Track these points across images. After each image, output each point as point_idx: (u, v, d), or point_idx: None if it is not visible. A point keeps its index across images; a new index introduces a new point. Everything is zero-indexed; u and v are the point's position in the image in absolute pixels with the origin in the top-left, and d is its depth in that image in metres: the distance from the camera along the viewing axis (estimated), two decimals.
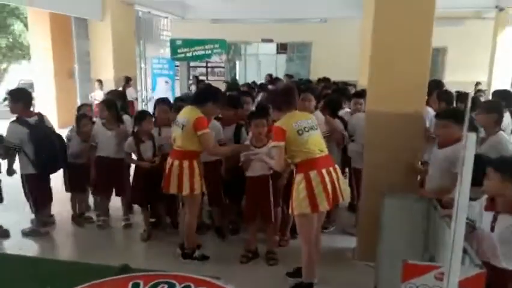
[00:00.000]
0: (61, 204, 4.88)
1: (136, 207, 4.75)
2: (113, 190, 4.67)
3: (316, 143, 3.15)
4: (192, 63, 13.40)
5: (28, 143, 4.10)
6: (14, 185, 4.38)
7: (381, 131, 3.59)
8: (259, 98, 6.95)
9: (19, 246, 4.18)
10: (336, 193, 3.10)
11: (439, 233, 2.61)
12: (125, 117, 4.84)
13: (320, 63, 15.27)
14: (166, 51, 13.28)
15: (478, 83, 11.65)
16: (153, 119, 4.46)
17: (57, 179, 4.70)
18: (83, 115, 4.77)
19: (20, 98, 4.26)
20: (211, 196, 4.27)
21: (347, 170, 4.89)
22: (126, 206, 4.74)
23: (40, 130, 4.21)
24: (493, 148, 3.19)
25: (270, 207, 3.72)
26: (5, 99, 13.08)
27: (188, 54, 11.90)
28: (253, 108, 5.11)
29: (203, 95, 3.84)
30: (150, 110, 5.63)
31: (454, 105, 4.70)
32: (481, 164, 1.84)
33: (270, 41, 16.75)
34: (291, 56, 17.76)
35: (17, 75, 20.03)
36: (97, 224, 4.71)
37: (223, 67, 14.05)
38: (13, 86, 10.98)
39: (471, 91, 9.40)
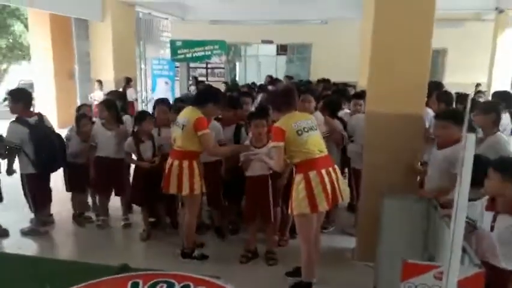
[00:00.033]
0: (61, 204, 4.89)
1: (135, 206, 4.75)
2: (113, 190, 4.68)
3: (316, 144, 3.15)
4: (191, 64, 13.42)
5: (28, 142, 4.10)
6: (13, 185, 4.38)
7: (381, 131, 3.60)
8: (258, 98, 6.96)
9: (18, 245, 4.18)
10: (336, 193, 3.10)
11: (439, 233, 2.62)
12: (126, 117, 4.85)
13: (320, 64, 15.28)
14: (166, 52, 13.30)
15: (478, 84, 11.67)
16: (153, 120, 4.46)
17: (57, 179, 4.71)
18: (82, 115, 4.78)
19: (20, 98, 4.27)
20: (210, 197, 4.28)
21: (346, 170, 4.89)
22: (125, 206, 4.74)
23: (40, 130, 4.22)
24: (492, 148, 3.20)
25: (269, 207, 3.72)
26: (5, 100, 13.09)
27: (188, 55, 11.92)
28: (252, 108, 5.12)
29: (203, 96, 3.85)
30: (150, 110, 5.63)
31: (454, 106, 4.71)
32: (480, 164, 1.84)
33: (270, 42, 16.76)
34: (291, 58, 17.77)
35: (17, 75, 20.04)
36: (96, 223, 4.71)
37: (223, 68, 14.06)
38: (13, 87, 10.98)
39: (471, 92, 9.42)
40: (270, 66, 17.53)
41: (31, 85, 11.57)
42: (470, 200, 1.46)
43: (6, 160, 4.18)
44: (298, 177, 3.10)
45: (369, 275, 3.36)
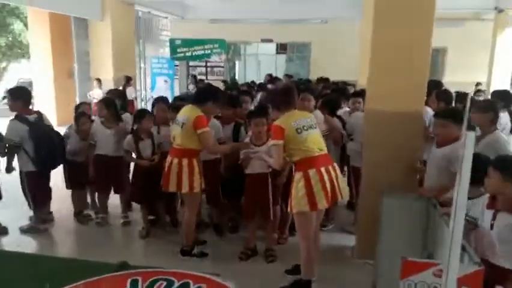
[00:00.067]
0: (60, 202, 4.89)
1: (134, 204, 4.75)
2: (112, 188, 4.68)
3: (316, 142, 3.16)
4: (191, 63, 13.42)
5: (28, 140, 4.11)
6: (12, 182, 4.38)
7: (380, 130, 3.60)
8: (258, 97, 6.97)
9: (17, 243, 4.18)
10: (335, 191, 3.11)
11: (438, 231, 2.62)
12: (126, 115, 4.85)
13: (319, 63, 15.29)
14: (166, 51, 13.31)
15: (478, 83, 11.69)
16: (152, 118, 4.46)
17: (57, 177, 4.70)
18: (82, 113, 4.78)
19: (20, 96, 4.27)
20: (209, 195, 4.29)
21: (345, 168, 4.90)
22: (125, 204, 4.74)
23: (40, 128, 4.22)
24: (490, 147, 3.21)
25: (269, 205, 3.73)
26: (4, 98, 13.07)
27: (187, 54, 11.93)
28: (252, 107, 5.12)
29: (203, 95, 3.85)
30: (149, 109, 5.63)
31: (453, 105, 4.71)
32: (479, 162, 1.84)
33: (270, 41, 16.76)
34: (290, 56, 17.77)
35: (16, 74, 20.03)
36: (95, 221, 4.72)
37: (223, 67, 14.05)
38: (12, 85, 10.97)
39: (471, 91, 9.43)
40: (270, 65, 17.53)
41: (30, 83, 11.57)
42: (469, 198, 1.47)
43: (5, 158, 4.18)
44: (297, 176, 3.10)
45: (369, 272, 3.37)
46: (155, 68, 12.17)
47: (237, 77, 17.06)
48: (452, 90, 5.08)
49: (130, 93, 9.83)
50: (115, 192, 4.71)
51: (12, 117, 4.20)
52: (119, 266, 3.19)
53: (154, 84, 12.16)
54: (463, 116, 1.42)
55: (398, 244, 2.90)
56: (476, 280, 1.88)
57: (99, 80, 10.31)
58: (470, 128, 1.38)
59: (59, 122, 9.33)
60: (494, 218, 2.40)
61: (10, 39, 20.62)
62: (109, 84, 9.82)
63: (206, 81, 12.21)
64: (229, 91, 6.78)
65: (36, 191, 4.31)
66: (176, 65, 12.54)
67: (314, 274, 3.26)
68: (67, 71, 11.45)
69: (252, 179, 3.77)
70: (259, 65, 18.25)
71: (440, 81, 6.42)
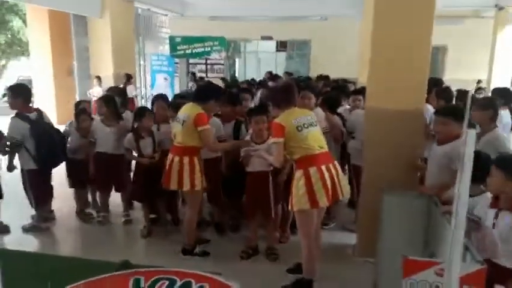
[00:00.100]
0: (62, 200, 4.89)
1: (136, 203, 4.75)
2: (113, 186, 4.67)
3: (316, 140, 3.16)
4: (191, 60, 13.40)
5: (29, 138, 4.11)
6: (13, 181, 4.38)
7: (381, 128, 3.60)
8: (258, 95, 6.97)
9: (19, 241, 4.19)
10: (336, 189, 3.11)
11: (439, 230, 2.62)
12: (127, 113, 4.84)
13: (319, 60, 15.28)
14: (165, 48, 13.26)
15: (479, 81, 11.70)
16: (153, 116, 4.46)
17: (58, 175, 4.70)
18: (82, 110, 4.77)
19: (20, 93, 4.27)
20: (210, 194, 4.29)
21: (346, 166, 4.90)
22: (126, 202, 4.74)
23: (40, 125, 4.22)
24: (491, 144, 3.21)
25: (270, 203, 3.73)
26: (4, 95, 13.01)
27: (187, 51, 11.90)
28: (252, 105, 5.12)
29: (205, 93, 3.85)
30: (149, 106, 5.62)
31: (453, 102, 4.71)
32: (479, 160, 1.84)
33: (270, 38, 16.74)
34: (290, 54, 17.76)
35: (16, 71, 19.99)
36: (97, 220, 4.72)
37: (223, 64, 14.03)
38: (12, 83, 10.95)
39: (471, 89, 9.43)
40: (270, 62, 17.52)
41: (30, 81, 11.54)
42: (470, 195, 1.47)
43: (6, 156, 4.18)
44: (298, 173, 3.10)
45: (370, 271, 3.38)
46: (155, 66, 12.13)
47: (237, 75, 17.04)
48: (453, 88, 5.08)
49: (130, 91, 9.82)
50: (116, 190, 4.71)
51: (13, 115, 4.19)
52: (121, 265, 3.20)
53: (154, 82, 12.13)
54: (463, 114, 1.42)
55: (399, 242, 2.90)
56: (478, 279, 1.87)
57: (99, 78, 10.28)
58: (471, 125, 1.38)
59: (59, 120, 9.32)
60: (496, 216, 2.40)
61: (9, 36, 20.56)
62: (108, 82, 9.80)
63: (206, 78, 12.20)
64: (229, 89, 6.77)
65: (38, 190, 4.31)
66: (176, 63, 12.51)
67: (316, 272, 3.26)
68: (66, 68, 11.42)
69: (252, 177, 3.77)
70: (259, 62, 18.24)
71: (440, 78, 6.42)
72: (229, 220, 4.50)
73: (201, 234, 4.12)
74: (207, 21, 14.63)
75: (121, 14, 10.82)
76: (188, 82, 12.24)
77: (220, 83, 9.23)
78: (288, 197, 3.25)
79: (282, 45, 17.34)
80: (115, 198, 4.78)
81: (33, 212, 4.51)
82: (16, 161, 4.25)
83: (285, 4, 12.73)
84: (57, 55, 11.11)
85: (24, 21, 17.08)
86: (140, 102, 11.86)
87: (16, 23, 19.79)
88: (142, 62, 13.07)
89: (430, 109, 4.27)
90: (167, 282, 2.28)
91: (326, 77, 9.96)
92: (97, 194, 4.84)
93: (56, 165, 4.44)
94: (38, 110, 4.37)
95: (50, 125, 4.41)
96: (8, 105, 4.34)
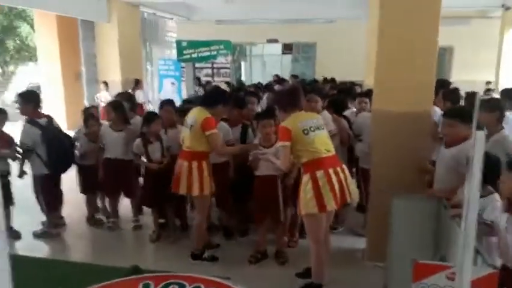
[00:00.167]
0: (72, 206, 4.92)
1: (145, 208, 4.76)
2: (122, 191, 4.70)
3: (323, 143, 3.15)
4: (197, 65, 13.45)
5: (41, 144, 4.15)
6: (24, 187, 4.42)
7: (388, 130, 3.59)
8: (264, 98, 6.99)
9: (30, 247, 4.22)
10: (344, 193, 3.10)
11: (449, 233, 2.61)
12: (136, 118, 4.88)
13: (325, 63, 15.26)
14: (172, 53, 13.33)
15: (488, 82, 11.60)
16: (161, 121, 4.47)
17: (67, 181, 4.74)
18: (90, 115, 4.81)
19: (31, 99, 4.32)
20: (218, 198, 4.29)
21: (354, 170, 4.88)
22: (136, 208, 4.76)
23: (51, 131, 4.27)
24: (499, 145, 3.19)
25: (279, 207, 3.72)
26: (15, 102, 13.12)
27: (194, 56, 11.94)
28: (258, 108, 5.12)
29: (213, 97, 3.86)
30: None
31: (460, 104, 4.68)
32: (488, 161, 1.83)
33: (276, 41, 16.76)
34: (296, 57, 17.76)
35: (24, 77, 20.19)
36: (107, 225, 4.74)
37: (229, 68, 14.08)
38: (22, 89, 11.06)
39: (481, 90, 9.37)
40: (275, 65, 17.52)
41: (38, 87, 11.65)
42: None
43: (17, 162, 4.23)
44: (305, 178, 3.10)
45: (380, 275, 3.36)
46: (162, 70, 12.20)
47: (243, 78, 17.08)
48: (460, 89, 5.05)
49: (139, 96, 9.91)
50: (125, 196, 4.74)
51: (24, 121, 4.24)
52: (131, 270, 3.23)
53: (161, 87, 12.19)
54: (470, 115, 1.41)
55: (408, 246, 2.89)
56: (490, 283, 1.86)
57: (106, 83, 10.37)
58: (479, 127, 1.37)
59: (68, 125, 9.40)
60: (508, 220, 2.38)
61: (18, 42, 20.80)
62: (116, 87, 9.88)
63: (213, 83, 12.24)
64: (235, 92, 6.79)
65: (49, 195, 4.36)
66: (183, 67, 12.57)
67: (325, 277, 3.25)
68: (74, 73, 11.51)
69: (260, 181, 3.77)
70: (264, 65, 18.26)
71: (446, 80, 6.38)
72: (237, 224, 4.50)
73: (210, 239, 4.12)
74: (213, 25, 14.68)
75: (127, 18, 10.91)
76: (194, 87, 12.28)
77: (225, 87, 9.27)
78: (296, 201, 3.25)
79: (287, 48, 17.34)
80: (125, 203, 4.80)
81: (43, 218, 4.55)
82: (27, 167, 4.29)
83: (290, 7, 12.73)
84: (65, 60, 11.20)
85: (32, 27, 17.24)
86: (150, 108, 11.92)
87: (24, 28, 20.00)
88: (149, 67, 13.16)
89: (438, 111, 4.24)
90: (176, 287, 2.30)
91: (332, 80, 9.96)
92: (107, 199, 4.87)
93: (66, 170, 4.48)
94: (48, 116, 4.42)
95: (60, 131, 4.47)
96: (18, 111, 4.39)
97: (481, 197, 2.46)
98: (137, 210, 4.78)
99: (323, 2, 12.08)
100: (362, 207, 4.72)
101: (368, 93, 5.10)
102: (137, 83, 10.51)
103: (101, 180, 4.58)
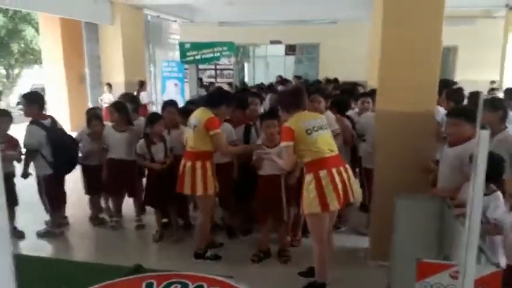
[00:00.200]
0: (75, 206, 4.95)
1: (148, 207, 4.78)
2: (126, 191, 4.72)
3: (326, 143, 3.15)
4: (200, 66, 13.46)
5: (46, 145, 4.18)
6: (28, 188, 4.45)
7: (391, 130, 3.58)
8: (267, 99, 6.99)
9: (34, 247, 4.24)
10: (347, 193, 3.10)
11: (453, 232, 2.59)
12: (140, 119, 4.90)
13: (328, 64, 15.25)
14: (176, 55, 13.38)
15: (492, 82, 11.55)
16: (164, 121, 4.49)
17: (70, 181, 4.75)
18: (94, 116, 4.83)
19: (35, 100, 4.35)
20: (221, 198, 4.30)
21: (357, 170, 4.87)
22: (139, 207, 4.78)
23: (55, 132, 4.30)
24: (502, 144, 3.17)
25: (282, 207, 3.73)
26: (18, 103, 13.21)
27: (197, 57, 11.96)
28: (261, 109, 5.13)
29: (217, 98, 3.88)
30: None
31: (464, 104, 4.66)
32: (491, 160, 1.83)
33: (279, 42, 16.77)
34: (299, 58, 17.76)
35: (29, 79, 20.34)
36: (110, 225, 4.76)
37: (232, 69, 14.10)
38: (26, 91, 11.13)
39: (485, 90, 9.33)
40: (279, 66, 17.54)
41: (43, 89, 11.72)
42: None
43: (22, 163, 4.25)
44: (308, 177, 3.10)
45: (383, 274, 3.35)
46: (166, 72, 12.24)
47: (246, 79, 17.09)
48: (464, 88, 5.03)
49: (143, 97, 9.95)
50: (129, 196, 4.76)
51: (28, 122, 4.26)
52: (134, 269, 3.24)
53: (165, 88, 12.23)
54: (475, 114, 1.41)
55: (412, 246, 2.88)
56: (494, 282, 1.85)
57: (109, 85, 10.42)
58: (482, 127, 1.36)
59: (72, 127, 9.44)
60: None
61: (22, 45, 20.94)
62: (120, 88, 9.91)
63: (216, 84, 12.25)
64: (238, 94, 6.80)
65: (53, 195, 4.38)
66: (186, 69, 12.60)
67: (328, 276, 3.25)
68: (78, 75, 11.57)
69: (264, 180, 3.78)
70: (268, 66, 18.28)
71: (449, 79, 6.37)
72: (240, 224, 4.51)
73: (213, 238, 4.13)
74: (216, 27, 14.72)
75: (131, 21, 10.96)
76: (198, 89, 12.31)
77: (227, 89, 9.28)
78: (299, 201, 3.25)
79: (291, 49, 17.35)
80: (128, 203, 4.82)
81: (47, 217, 4.57)
82: (31, 168, 4.32)
83: (293, 8, 12.73)
84: (69, 63, 11.27)
85: (37, 30, 17.38)
86: (153, 109, 11.96)
87: (29, 32, 20.15)
88: (152, 69, 13.20)
89: (441, 111, 4.23)
90: (179, 286, 2.31)
91: (335, 80, 9.95)
92: (110, 199, 4.88)
93: (70, 170, 4.50)
94: (51, 117, 4.45)
95: (63, 132, 4.49)
96: (22, 113, 4.42)
97: (484, 195, 2.44)
98: (140, 210, 4.79)
99: (326, 3, 12.07)
100: (365, 207, 4.72)
101: (371, 93, 5.10)
102: (142, 85, 10.55)
103: (105, 181, 4.60)
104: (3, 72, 22.27)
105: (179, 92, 11.92)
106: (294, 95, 3.38)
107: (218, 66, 13.76)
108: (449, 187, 3.04)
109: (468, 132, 2.98)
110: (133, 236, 4.64)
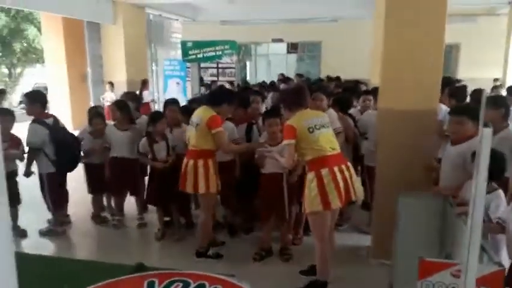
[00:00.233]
0: (77, 205, 4.96)
1: (150, 206, 4.79)
2: (128, 190, 4.73)
3: (328, 141, 3.15)
4: (202, 65, 13.47)
5: (49, 143, 4.19)
6: (30, 186, 4.46)
7: (393, 128, 3.57)
8: (269, 97, 6.99)
9: (36, 245, 4.25)
10: (349, 191, 3.09)
11: (456, 231, 2.59)
12: (143, 117, 4.90)
13: (330, 62, 15.23)
14: (178, 54, 13.38)
15: (495, 79, 11.50)
16: (166, 120, 4.49)
17: (73, 180, 4.77)
18: (96, 114, 4.83)
19: (37, 99, 4.36)
20: (223, 196, 4.30)
21: (359, 168, 4.86)
22: (140, 206, 4.79)
23: (58, 130, 4.31)
24: (505, 142, 3.16)
25: (284, 205, 3.73)
26: (20, 102, 13.24)
27: (199, 56, 11.98)
28: (263, 107, 5.12)
29: (218, 96, 3.88)
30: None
31: (467, 101, 4.65)
32: (493, 158, 1.82)
33: (281, 41, 16.75)
34: (301, 56, 17.75)
35: (31, 79, 20.40)
36: (112, 223, 4.77)
37: (234, 68, 14.10)
38: (28, 90, 11.16)
39: (488, 87, 9.29)
40: (281, 64, 17.53)
41: (45, 88, 11.74)
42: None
43: (24, 162, 4.26)
44: (310, 175, 3.09)
45: (385, 273, 3.35)
46: (168, 71, 12.25)
47: (248, 78, 17.08)
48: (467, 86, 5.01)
49: (146, 96, 9.96)
50: (131, 194, 4.77)
51: (30, 121, 4.27)
52: (136, 267, 3.24)
53: (167, 87, 12.24)
54: (478, 113, 1.40)
55: (414, 244, 2.87)
56: (495, 281, 1.84)
57: (111, 84, 10.44)
58: (485, 125, 1.36)
59: (74, 126, 9.46)
60: None
61: (25, 44, 21.01)
62: (122, 87, 9.93)
63: (219, 83, 12.26)
64: (240, 92, 6.80)
65: (56, 193, 4.39)
66: (188, 67, 12.61)
67: (329, 274, 3.25)
68: (80, 74, 11.59)
69: (266, 178, 3.78)
70: (270, 65, 18.26)
71: (451, 77, 6.34)
72: (242, 222, 4.51)
73: (215, 237, 4.13)
74: (218, 25, 14.71)
75: (133, 20, 10.97)
76: (200, 88, 12.33)
77: (229, 87, 9.28)
78: (301, 199, 3.25)
79: (293, 47, 17.33)
80: (130, 201, 4.83)
81: (49, 216, 4.59)
82: (33, 167, 4.32)
83: (295, 6, 12.70)
84: (71, 62, 11.28)
85: (39, 30, 17.43)
86: (156, 107, 11.98)
87: (31, 31, 20.21)
88: (154, 68, 13.21)
89: (443, 108, 4.22)
90: (181, 285, 2.30)
91: (337, 78, 9.93)
92: (112, 197, 4.89)
93: (73, 169, 4.51)
94: (53, 116, 4.46)
95: (66, 130, 4.51)
96: (24, 111, 4.42)
97: (486, 193, 2.44)
98: (142, 208, 4.81)
99: (327, 2, 12.05)
100: (367, 205, 4.71)
101: (373, 91, 5.09)
102: (145, 83, 10.56)
103: (108, 179, 4.61)
104: (6, 71, 22.36)
105: (181, 91, 11.93)
106: (296, 93, 3.38)
107: (220, 65, 13.77)
108: (451, 185, 3.03)
109: (471, 130, 2.97)
110: (135, 234, 4.65)
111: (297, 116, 3.18)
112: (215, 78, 13.50)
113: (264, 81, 11.34)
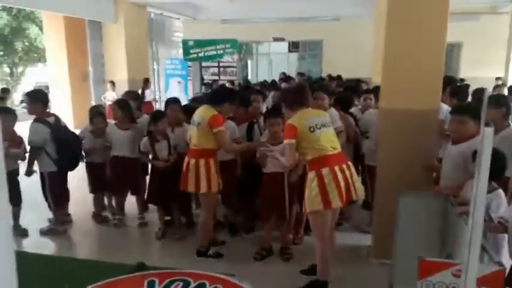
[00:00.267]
0: (78, 204, 4.96)
1: (151, 205, 4.78)
2: (129, 189, 4.73)
3: (329, 140, 3.14)
4: (204, 64, 13.47)
5: (50, 142, 4.19)
6: (31, 186, 4.46)
7: (394, 127, 3.56)
8: (270, 96, 6.97)
9: (37, 244, 4.25)
10: (350, 190, 3.09)
11: (456, 231, 2.58)
12: (144, 116, 4.90)
13: (332, 61, 15.21)
14: (179, 52, 13.40)
15: (497, 78, 11.47)
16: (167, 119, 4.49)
17: (73, 179, 4.78)
18: (97, 113, 4.83)
19: (38, 98, 4.36)
20: (224, 195, 4.30)
21: (359, 167, 4.85)
22: (141, 205, 4.79)
23: (59, 130, 4.31)
24: (506, 141, 3.15)
25: (285, 204, 3.72)
26: (22, 101, 13.25)
27: (200, 55, 11.97)
28: (264, 106, 5.12)
29: (220, 95, 3.87)
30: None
31: (468, 100, 4.64)
32: (494, 157, 1.81)
33: (282, 39, 16.72)
34: (302, 55, 17.72)
35: (33, 78, 20.44)
36: (112, 222, 4.78)
37: (235, 67, 14.09)
38: (30, 89, 11.17)
39: (490, 86, 9.27)
40: (282, 63, 17.50)
41: (47, 87, 11.76)
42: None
43: (26, 161, 4.27)
44: (311, 175, 3.09)
45: (385, 272, 3.34)
46: (169, 70, 12.26)
47: (249, 77, 17.07)
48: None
49: (148, 95, 9.97)
50: (132, 193, 4.77)
51: (32, 120, 4.27)
52: (137, 267, 3.24)
53: (168, 86, 12.25)
54: (479, 112, 1.40)
55: (415, 244, 2.87)
56: (496, 280, 1.84)
57: (112, 83, 10.45)
58: (487, 124, 1.35)
59: (75, 125, 9.47)
60: None
61: (26, 43, 21.04)
62: (123, 86, 9.94)
63: (220, 81, 12.26)
64: (242, 91, 6.79)
65: (57, 192, 4.39)
66: (189, 66, 12.61)
67: (330, 274, 3.24)
68: (82, 73, 11.61)
69: (268, 178, 3.78)
70: (271, 64, 18.24)
71: (453, 76, 6.33)
72: (243, 222, 4.51)
73: (216, 236, 4.13)
74: (219, 24, 14.70)
75: (134, 18, 10.98)
76: (201, 87, 12.34)
77: (229, 86, 9.28)
78: (302, 199, 3.24)
79: (294, 46, 17.30)
80: (130, 200, 4.83)
81: (50, 215, 4.59)
82: (34, 166, 4.33)
83: (296, 5, 12.69)
84: (73, 61, 11.29)
85: (40, 29, 17.47)
86: (157, 106, 11.99)
87: (33, 30, 20.25)
88: (155, 67, 13.22)
89: (445, 108, 4.20)
90: (181, 284, 2.31)
91: (339, 77, 9.91)
92: (113, 197, 4.90)
93: (74, 168, 4.51)
94: (55, 115, 4.46)
95: (67, 129, 4.51)
96: (26, 110, 4.43)
97: (486, 193, 2.43)
98: (142, 208, 4.81)
99: (327, 1, 12.04)
100: (367, 205, 4.70)
101: (373, 90, 5.08)
102: (146, 82, 10.58)
103: (109, 178, 4.61)
104: (8, 70, 22.41)
105: (182, 90, 11.94)
106: (297, 92, 3.37)
107: (221, 64, 13.77)
108: (452, 185, 3.02)
109: (472, 129, 2.96)
110: (136, 233, 4.65)
111: (298, 115, 3.18)
112: (216, 77, 13.50)
113: (265, 80, 11.32)
